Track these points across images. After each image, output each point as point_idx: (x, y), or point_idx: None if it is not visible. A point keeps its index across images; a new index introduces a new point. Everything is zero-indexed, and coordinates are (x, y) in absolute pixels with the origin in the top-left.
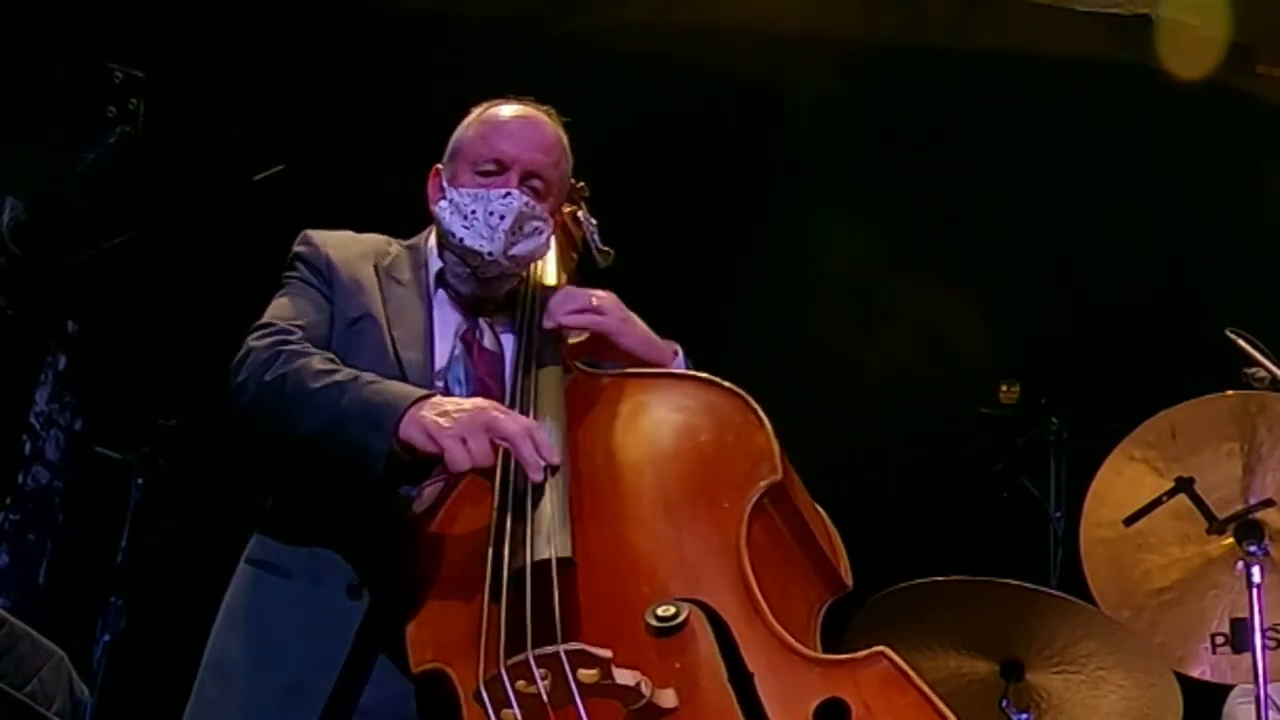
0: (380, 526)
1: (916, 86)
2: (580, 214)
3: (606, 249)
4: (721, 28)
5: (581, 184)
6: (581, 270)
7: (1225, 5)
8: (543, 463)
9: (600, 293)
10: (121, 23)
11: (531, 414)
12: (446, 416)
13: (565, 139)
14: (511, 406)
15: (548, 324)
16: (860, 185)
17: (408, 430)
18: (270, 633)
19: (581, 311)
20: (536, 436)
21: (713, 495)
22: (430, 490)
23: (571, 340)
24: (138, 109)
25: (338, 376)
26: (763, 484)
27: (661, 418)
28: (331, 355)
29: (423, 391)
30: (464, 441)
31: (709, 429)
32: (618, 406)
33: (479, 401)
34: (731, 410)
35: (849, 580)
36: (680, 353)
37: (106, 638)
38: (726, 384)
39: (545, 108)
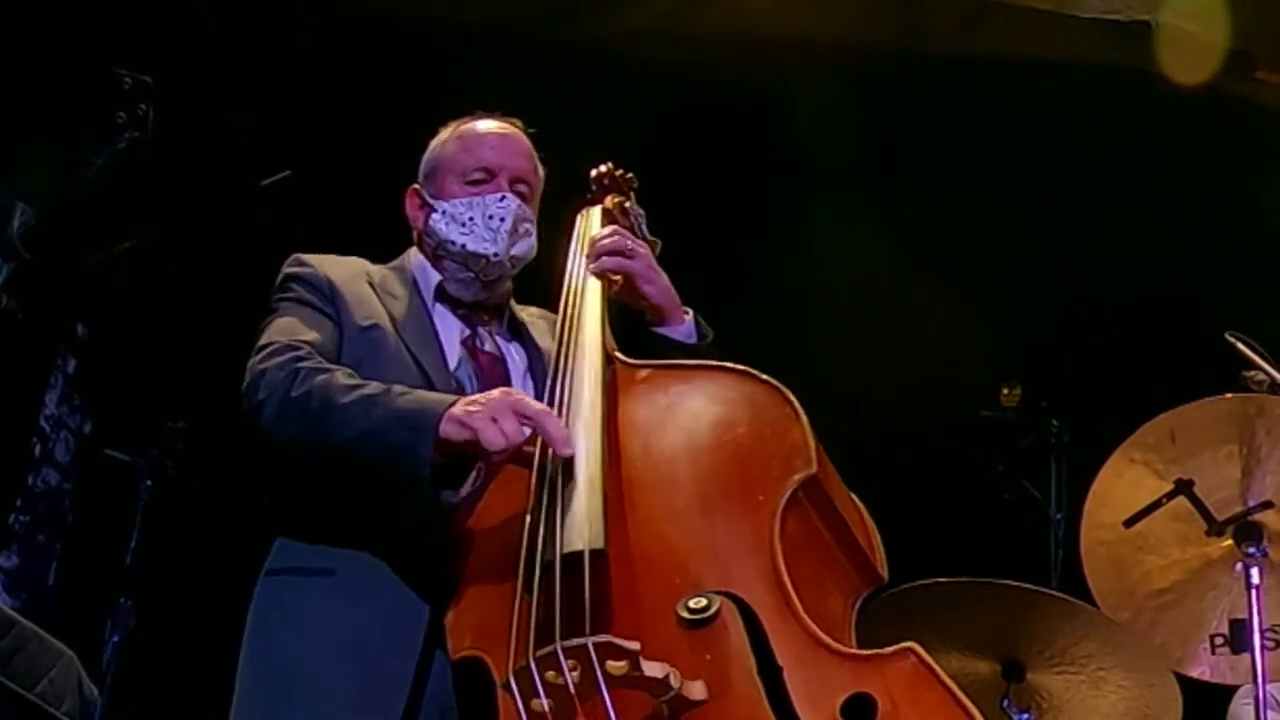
0: (414, 525)
1: (918, 92)
2: (628, 205)
3: (654, 239)
4: (723, 34)
5: (630, 174)
6: None
7: (1225, 11)
8: (570, 441)
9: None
10: (130, 28)
11: (569, 409)
12: (474, 404)
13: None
14: (550, 400)
15: (593, 267)
16: (862, 190)
17: (445, 428)
18: (326, 634)
19: (614, 253)
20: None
21: (748, 489)
22: (468, 487)
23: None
24: (147, 114)
25: (367, 390)
26: (797, 477)
27: (699, 410)
28: (349, 370)
29: (454, 397)
30: (494, 421)
31: (746, 422)
32: (656, 398)
33: (503, 389)
34: (769, 403)
35: (884, 573)
36: (691, 314)
37: (116, 638)
38: (763, 376)
39: (512, 120)
